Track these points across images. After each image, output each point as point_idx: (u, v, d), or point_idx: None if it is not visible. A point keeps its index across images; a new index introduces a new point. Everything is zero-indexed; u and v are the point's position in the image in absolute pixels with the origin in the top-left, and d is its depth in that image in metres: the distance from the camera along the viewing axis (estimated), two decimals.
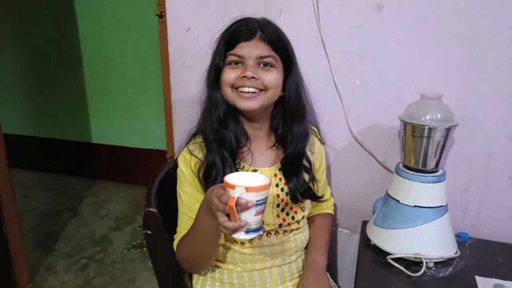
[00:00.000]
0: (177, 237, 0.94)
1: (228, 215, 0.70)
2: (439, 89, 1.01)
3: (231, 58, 0.88)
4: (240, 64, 0.88)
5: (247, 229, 0.71)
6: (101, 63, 2.69)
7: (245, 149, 0.95)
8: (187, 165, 0.92)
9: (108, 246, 2.21)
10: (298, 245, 1.01)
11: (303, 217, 1.02)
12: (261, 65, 0.88)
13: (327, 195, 1.12)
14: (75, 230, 2.36)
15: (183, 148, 0.97)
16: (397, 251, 0.97)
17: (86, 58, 2.72)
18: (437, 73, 1.07)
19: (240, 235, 0.71)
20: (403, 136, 1.01)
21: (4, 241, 1.71)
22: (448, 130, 0.94)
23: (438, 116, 0.95)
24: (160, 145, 2.66)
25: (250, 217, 0.70)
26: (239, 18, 0.91)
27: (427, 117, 0.95)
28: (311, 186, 0.99)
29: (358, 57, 1.12)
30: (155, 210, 0.91)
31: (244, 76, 0.86)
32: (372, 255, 1.02)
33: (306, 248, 1.07)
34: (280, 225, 0.96)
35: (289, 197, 0.96)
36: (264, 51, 0.87)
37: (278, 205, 0.96)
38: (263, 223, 0.75)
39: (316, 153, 1.05)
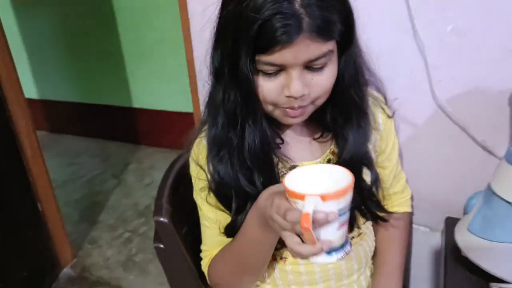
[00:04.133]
0: (205, 257, 0.75)
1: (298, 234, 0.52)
2: None
3: (265, 67, 0.59)
4: (279, 71, 0.60)
5: (330, 248, 0.51)
6: (133, 18, 2.45)
7: (278, 140, 0.71)
8: (199, 177, 0.74)
9: (151, 219, 2.09)
10: (362, 260, 0.75)
11: (365, 221, 0.75)
12: (310, 67, 0.60)
13: (400, 185, 0.83)
14: (119, 200, 2.29)
15: (193, 143, 0.77)
16: (505, 274, 0.68)
17: (120, 14, 2.49)
18: None
19: (321, 258, 0.52)
20: None
21: (41, 218, 1.63)
22: None
23: None
24: None
25: (332, 234, 0.51)
26: None
27: None
28: (375, 193, 0.73)
29: None
30: (166, 220, 0.69)
31: (290, 96, 0.60)
32: (465, 273, 0.74)
33: (372, 258, 0.80)
34: None
35: None
36: (314, 50, 0.57)
37: None
38: (348, 235, 0.55)
39: (380, 130, 0.76)
